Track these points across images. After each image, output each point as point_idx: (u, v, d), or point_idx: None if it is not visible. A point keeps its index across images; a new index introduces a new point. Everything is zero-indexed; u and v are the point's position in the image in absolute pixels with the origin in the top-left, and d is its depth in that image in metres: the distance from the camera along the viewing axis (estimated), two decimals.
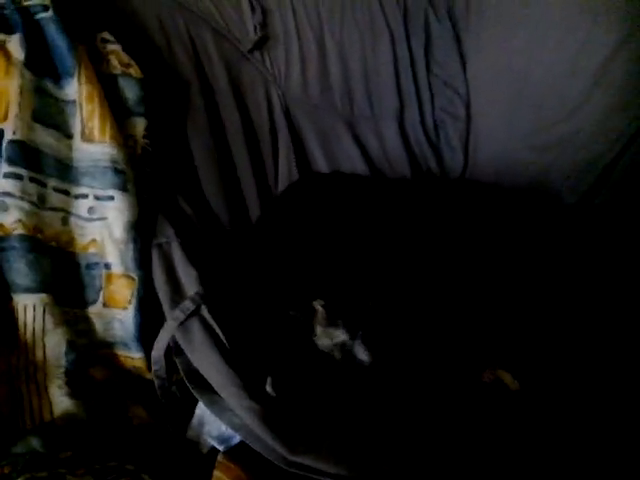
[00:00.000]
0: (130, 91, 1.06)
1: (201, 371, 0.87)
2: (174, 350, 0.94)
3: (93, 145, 0.98)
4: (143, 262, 0.99)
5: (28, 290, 0.90)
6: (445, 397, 0.92)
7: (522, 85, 1.40)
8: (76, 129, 0.99)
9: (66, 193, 0.97)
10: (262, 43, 1.36)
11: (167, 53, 1.23)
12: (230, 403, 0.82)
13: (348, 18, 1.45)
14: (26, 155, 0.91)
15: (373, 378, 0.92)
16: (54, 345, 0.90)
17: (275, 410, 0.80)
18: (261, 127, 1.33)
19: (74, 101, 0.99)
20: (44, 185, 0.94)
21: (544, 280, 1.09)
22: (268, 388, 0.85)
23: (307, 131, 1.39)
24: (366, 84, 1.46)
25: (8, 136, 0.90)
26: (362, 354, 0.93)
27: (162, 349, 0.92)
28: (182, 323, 0.91)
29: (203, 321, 0.92)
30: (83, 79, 0.98)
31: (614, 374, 0.97)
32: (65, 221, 0.97)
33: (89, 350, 0.96)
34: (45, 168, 0.94)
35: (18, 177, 0.90)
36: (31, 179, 0.92)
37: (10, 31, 0.94)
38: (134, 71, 1.08)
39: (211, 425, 0.89)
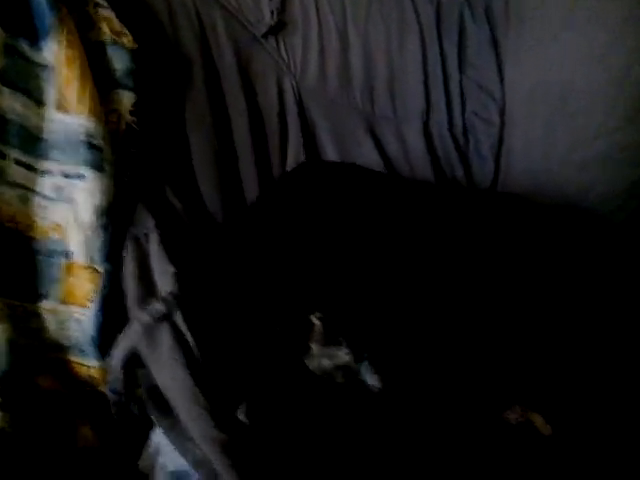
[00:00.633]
0: (119, 61, 0.94)
1: (162, 388, 0.72)
2: (137, 361, 0.79)
3: (68, 116, 0.85)
4: (112, 254, 0.85)
5: None
6: (464, 436, 0.76)
7: (563, 95, 1.26)
8: (50, 97, 0.86)
9: (30, 168, 0.84)
10: (278, 29, 1.24)
11: (170, 28, 1.10)
12: (192, 430, 0.67)
13: (375, 10, 1.33)
14: None
15: (381, 407, 0.76)
16: None
17: (246, 445, 0.65)
18: (269, 118, 1.20)
19: (52, 67, 0.85)
20: (3, 156, 0.80)
21: (586, 308, 0.93)
22: (241, 415, 0.70)
23: (321, 126, 1.25)
24: (390, 82, 1.32)
25: None
26: (372, 378, 0.77)
27: (121, 358, 0.77)
28: (149, 328, 0.76)
29: (174, 327, 0.77)
30: (64, 42, 0.84)
31: None
32: (25, 200, 0.83)
33: (37, 353, 0.81)
34: (8, 137, 0.81)
35: None
36: None
37: None
38: (126, 41, 0.95)
39: (167, 456, 0.73)
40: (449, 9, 1.37)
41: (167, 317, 0.77)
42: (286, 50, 1.25)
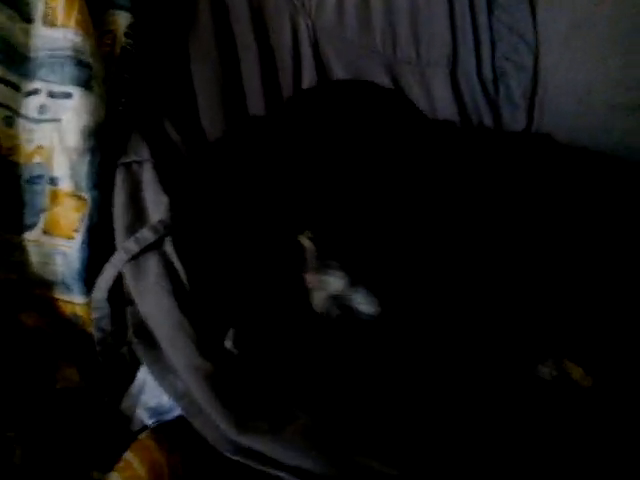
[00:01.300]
0: None
1: (146, 318, 0.65)
2: (125, 297, 0.71)
3: (54, 30, 0.77)
4: (101, 181, 0.77)
5: None
6: (482, 386, 0.67)
7: (606, 34, 1.14)
8: (38, 13, 0.78)
9: (15, 87, 0.76)
10: None
11: None
12: (175, 361, 0.59)
13: None
14: None
15: (378, 339, 0.67)
16: None
17: (231, 374, 0.56)
18: (282, 58, 1.11)
19: None
20: None
21: (624, 258, 0.83)
22: (228, 343, 0.61)
23: (338, 69, 1.16)
24: (413, 25, 1.21)
25: None
26: (367, 306, 0.68)
27: (105, 288, 0.69)
28: (135, 257, 0.68)
29: (163, 256, 0.69)
30: None
31: None
32: (10, 122, 0.76)
33: (20, 289, 0.74)
34: None
35: None
36: None
37: None
38: None
39: (150, 394, 0.65)
40: None
41: (156, 245, 0.70)
42: None
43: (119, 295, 0.72)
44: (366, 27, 1.19)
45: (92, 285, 0.74)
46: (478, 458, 0.58)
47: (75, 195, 0.75)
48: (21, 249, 0.75)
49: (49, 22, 0.78)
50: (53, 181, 0.75)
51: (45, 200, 0.75)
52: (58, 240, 0.75)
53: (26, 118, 0.76)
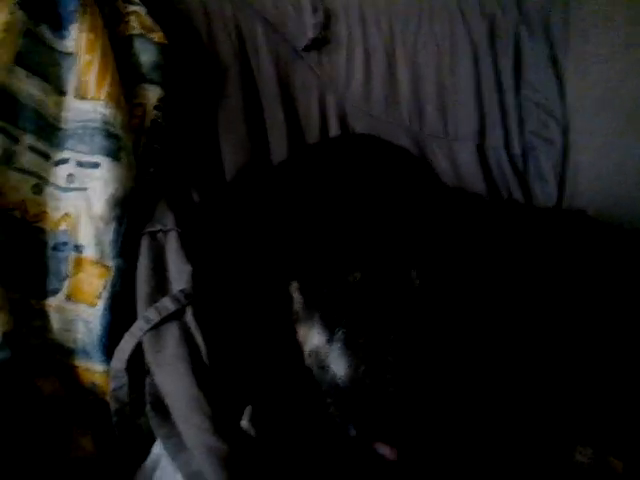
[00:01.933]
0: (146, 54, 0.90)
1: (163, 391, 0.63)
2: (146, 367, 0.69)
3: (85, 102, 0.80)
4: (125, 249, 0.77)
5: None
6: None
7: (635, 109, 1.14)
8: (71, 85, 0.81)
9: (45, 156, 0.78)
10: (321, 44, 1.19)
11: (206, 36, 1.06)
12: (189, 439, 0.57)
13: (424, 28, 1.27)
14: None
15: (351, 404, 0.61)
16: None
17: (246, 456, 0.53)
18: (311, 133, 1.14)
19: (74, 55, 0.81)
20: (15, 140, 0.75)
21: None
22: (245, 423, 0.58)
23: None
24: (441, 101, 1.24)
25: None
26: (339, 365, 0.63)
27: (124, 359, 0.68)
28: (155, 327, 0.67)
29: (183, 327, 0.68)
30: (85, 26, 0.81)
31: None
32: (38, 189, 0.77)
33: (39, 354, 0.72)
34: (21, 121, 0.76)
35: None
36: None
37: None
38: (156, 36, 0.92)
39: (164, 470, 0.62)
40: (504, 26, 1.29)
41: (176, 316, 0.68)
42: (330, 65, 1.19)
43: (139, 365, 0.70)
44: (393, 103, 1.21)
45: (112, 353, 0.72)
46: None
47: (99, 263, 0.75)
48: (43, 314, 0.74)
49: (80, 95, 0.80)
50: (78, 249, 0.75)
51: (69, 267, 0.75)
52: (80, 307, 0.74)
53: (54, 186, 0.77)
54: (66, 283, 0.75)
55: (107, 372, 0.72)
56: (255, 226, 0.76)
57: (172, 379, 0.63)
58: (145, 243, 0.78)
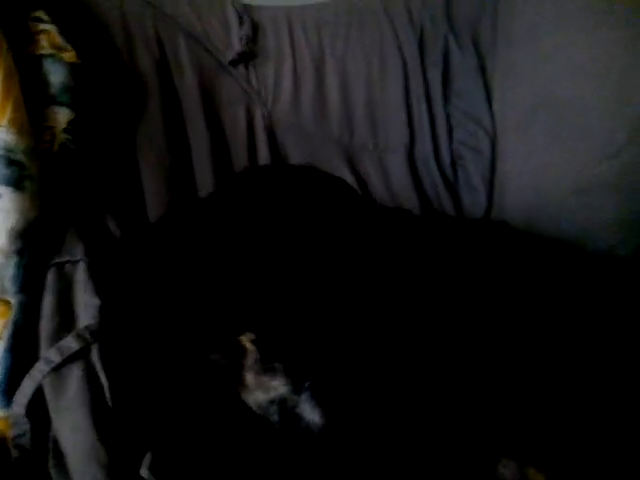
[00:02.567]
0: (56, 75, 0.86)
1: (59, 438, 0.58)
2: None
3: None
4: (28, 283, 0.72)
5: None
6: None
7: (561, 117, 1.14)
8: None
9: None
10: (248, 57, 1.16)
11: (125, 52, 1.03)
12: None
13: (354, 40, 1.25)
14: None
15: (327, 451, 0.62)
16: None
17: None
18: (236, 148, 1.11)
19: None
20: None
21: (583, 351, 0.79)
22: (144, 471, 0.55)
23: (295, 157, 1.16)
24: (370, 113, 1.23)
25: None
26: (311, 413, 0.63)
27: (23, 404, 0.64)
28: (56, 368, 0.63)
29: (88, 368, 0.64)
30: None
31: None
32: None
33: None
34: None
35: None
36: None
37: None
38: (67, 56, 0.88)
39: None
40: (433, 37, 1.28)
41: (81, 355, 0.65)
42: (257, 79, 1.17)
43: (44, 409, 0.66)
44: (322, 116, 1.19)
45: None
46: None
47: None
48: None
49: None
50: None
51: None
52: None
53: None
54: None
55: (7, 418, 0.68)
56: (181, 268, 0.74)
57: (70, 425, 0.60)
58: (51, 276, 0.74)
